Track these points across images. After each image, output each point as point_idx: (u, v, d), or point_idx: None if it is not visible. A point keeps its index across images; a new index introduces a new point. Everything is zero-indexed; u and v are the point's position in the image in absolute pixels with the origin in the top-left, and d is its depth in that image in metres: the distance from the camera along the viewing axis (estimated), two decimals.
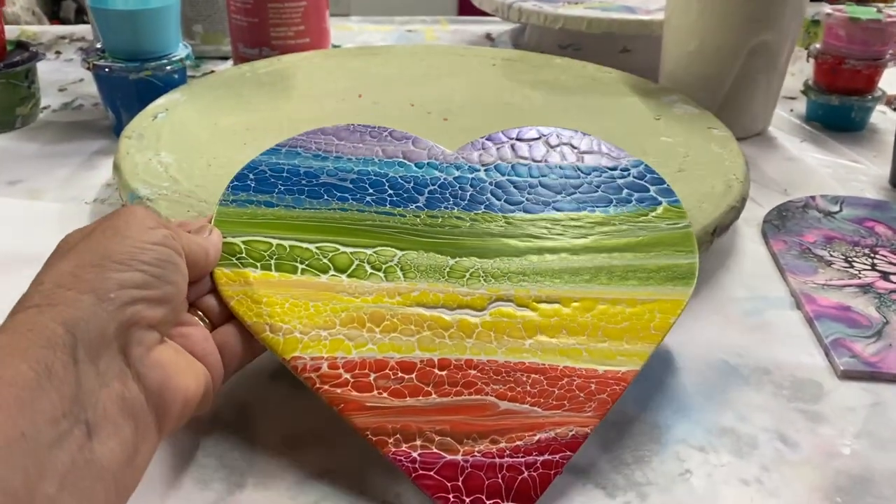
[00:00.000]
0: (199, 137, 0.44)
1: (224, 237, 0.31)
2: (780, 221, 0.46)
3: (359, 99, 0.51)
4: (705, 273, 0.40)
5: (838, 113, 0.60)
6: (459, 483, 0.26)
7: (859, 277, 0.40)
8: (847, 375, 0.34)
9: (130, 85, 0.52)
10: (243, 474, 0.28)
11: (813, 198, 0.49)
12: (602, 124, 0.47)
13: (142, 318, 0.24)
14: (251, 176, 0.34)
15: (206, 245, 0.29)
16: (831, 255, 0.42)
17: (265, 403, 0.31)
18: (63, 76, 0.68)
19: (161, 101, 0.49)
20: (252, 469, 0.28)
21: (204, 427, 0.29)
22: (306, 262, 0.31)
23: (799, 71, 0.71)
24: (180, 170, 0.41)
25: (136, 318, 0.24)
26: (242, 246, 0.31)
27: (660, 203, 0.35)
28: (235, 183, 0.34)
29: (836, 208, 0.48)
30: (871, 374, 0.34)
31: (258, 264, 0.30)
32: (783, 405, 0.32)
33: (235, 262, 0.30)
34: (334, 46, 0.68)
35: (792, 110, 0.64)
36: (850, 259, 0.42)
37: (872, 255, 0.43)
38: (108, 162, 0.47)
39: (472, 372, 0.29)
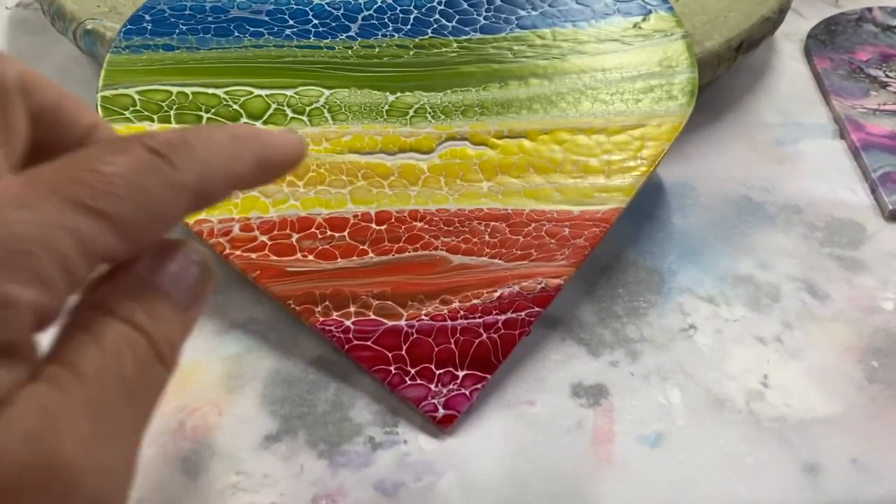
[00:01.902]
0: None
1: (115, 90, 0.28)
2: (827, 36, 0.41)
3: None
4: (730, 94, 0.37)
5: None
6: (403, 352, 0.24)
7: None
8: None
9: None
10: None
11: (870, 9, 0.44)
12: None
13: None
14: (147, 17, 0.31)
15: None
16: (887, 76, 0.38)
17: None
18: None
19: None
20: None
21: None
22: (212, 111, 0.28)
23: None
24: None
25: None
26: (136, 97, 0.28)
27: (649, 12, 0.32)
28: (129, 27, 0.31)
29: None
30: None
31: (154, 117, 0.28)
32: (815, 250, 0.29)
33: (128, 116, 0.28)
34: None
35: None
36: None
37: None
38: None
39: (419, 224, 0.26)
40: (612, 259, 0.28)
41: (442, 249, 0.26)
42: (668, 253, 0.29)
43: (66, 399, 0.13)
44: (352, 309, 0.25)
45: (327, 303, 0.25)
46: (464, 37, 0.31)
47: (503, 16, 0.32)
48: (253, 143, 0.16)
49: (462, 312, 0.24)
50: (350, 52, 0.30)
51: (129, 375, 0.14)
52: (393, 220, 0.26)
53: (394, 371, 0.24)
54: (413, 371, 0.24)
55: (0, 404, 0.12)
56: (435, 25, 0.31)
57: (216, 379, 0.24)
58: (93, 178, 0.13)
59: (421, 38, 0.31)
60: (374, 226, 0.26)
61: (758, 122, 0.35)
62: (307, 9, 0.31)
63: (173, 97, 0.29)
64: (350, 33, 0.31)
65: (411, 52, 0.30)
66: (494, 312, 0.24)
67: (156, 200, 0.14)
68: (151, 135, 0.14)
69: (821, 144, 0.34)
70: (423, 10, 0.32)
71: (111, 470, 0.13)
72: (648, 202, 0.29)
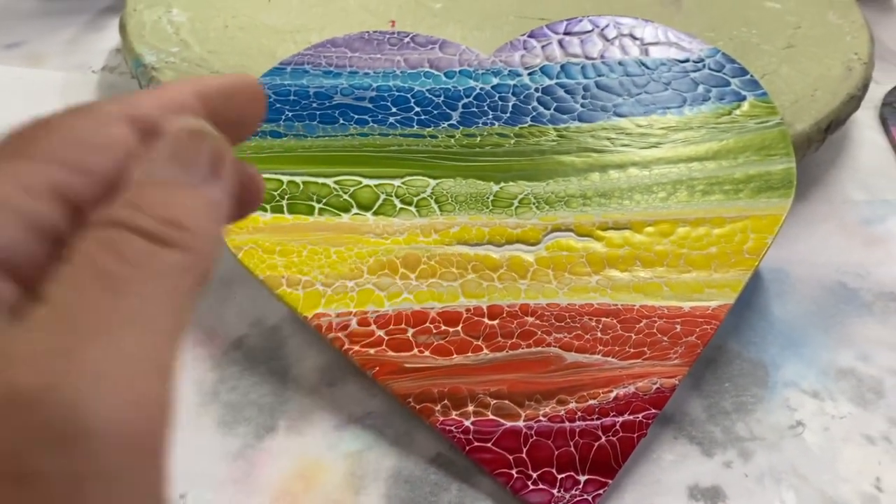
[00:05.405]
0: None
1: None
2: None
3: None
4: (813, 170, 0.37)
5: None
6: (523, 455, 0.24)
7: None
8: None
9: None
10: (273, 415, 0.26)
11: None
12: None
13: None
14: None
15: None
16: None
17: (300, 327, 0.29)
18: None
19: None
20: (284, 409, 0.26)
21: (227, 356, 0.28)
22: (324, 201, 0.28)
23: None
24: (193, 31, 0.39)
25: None
26: None
27: (744, 98, 0.32)
28: None
29: None
30: None
31: (267, 206, 0.28)
32: None
33: None
34: None
35: None
36: None
37: None
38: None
39: (530, 319, 0.26)
40: (715, 350, 0.28)
41: (555, 346, 0.26)
42: (771, 344, 0.29)
43: (24, 323, 0.11)
44: (470, 408, 0.25)
45: (446, 401, 0.25)
46: (562, 125, 0.31)
47: (600, 103, 0.32)
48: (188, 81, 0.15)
49: (579, 413, 0.25)
50: (453, 140, 0.30)
51: (112, 269, 0.12)
52: (505, 315, 0.26)
53: (515, 475, 0.24)
54: (535, 475, 0.24)
55: None
56: (534, 113, 0.31)
57: (341, 479, 0.24)
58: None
59: (521, 126, 0.31)
60: (486, 320, 0.26)
61: (843, 198, 0.35)
62: (408, 96, 0.32)
63: (284, 186, 0.29)
64: (452, 121, 0.31)
65: (512, 141, 0.31)
66: (612, 414, 0.24)
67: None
68: None
69: None
70: (521, 97, 0.32)
71: (97, 372, 0.11)
72: (746, 289, 0.29)
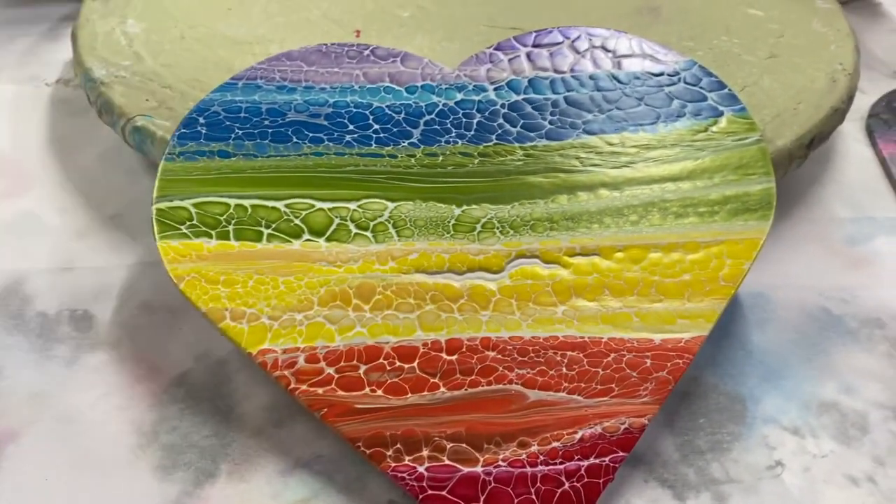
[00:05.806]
0: (178, 0, 0.40)
1: (170, 201, 0.27)
2: (890, 115, 0.40)
3: None
4: (795, 186, 0.35)
5: None
6: (481, 503, 0.22)
7: None
8: None
9: None
10: (215, 459, 0.24)
11: None
12: None
13: None
14: (201, 120, 0.30)
15: None
16: None
17: (249, 360, 0.27)
18: None
19: None
20: (227, 452, 0.25)
21: (169, 393, 0.26)
22: (273, 226, 0.27)
23: None
24: (147, 43, 0.37)
25: None
26: (193, 210, 0.27)
27: (721, 113, 0.30)
28: (182, 130, 0.29)
29: None
30: None
31: (213, 232, 0.27)
32: None
33: (185, 231, 0.27)
34: None
35: None
36: None
37: None
38: None
39: (491, 354, 0.25)
40: (690, 383, 0.27)
41: (517, 383, 0.24)
42: (749, 376, 0.27)
43: None
44: (424, 453, 0.23)
45: (398, 445, 0.23)
46: (529, 143, 0.29)
47: (569, 120, 0.30)
48: None
49: (542, 457, 0.23)
50: (413, 160, 0.29)
51: None
52: (464, 350, 0.25)
53: None
54: None
55: None
56: (499, 131, 0.30)
57: None
58: None
59: (485, 144, 0.29)
60: (444, 356, 0.25)
61: (828, 216, 0.34)
62: (367, 112, 0.30)
63: (231, 210, 0.27)
64: (412, 140, 0.29)
65: (476, 161, 0.29)
66: (576, 458, 0.23)
67: None
68: None
69: (894, 243, 0.33)
70: (487, 113, 0.30)
71: None
72: (725, 316, 0.28)
